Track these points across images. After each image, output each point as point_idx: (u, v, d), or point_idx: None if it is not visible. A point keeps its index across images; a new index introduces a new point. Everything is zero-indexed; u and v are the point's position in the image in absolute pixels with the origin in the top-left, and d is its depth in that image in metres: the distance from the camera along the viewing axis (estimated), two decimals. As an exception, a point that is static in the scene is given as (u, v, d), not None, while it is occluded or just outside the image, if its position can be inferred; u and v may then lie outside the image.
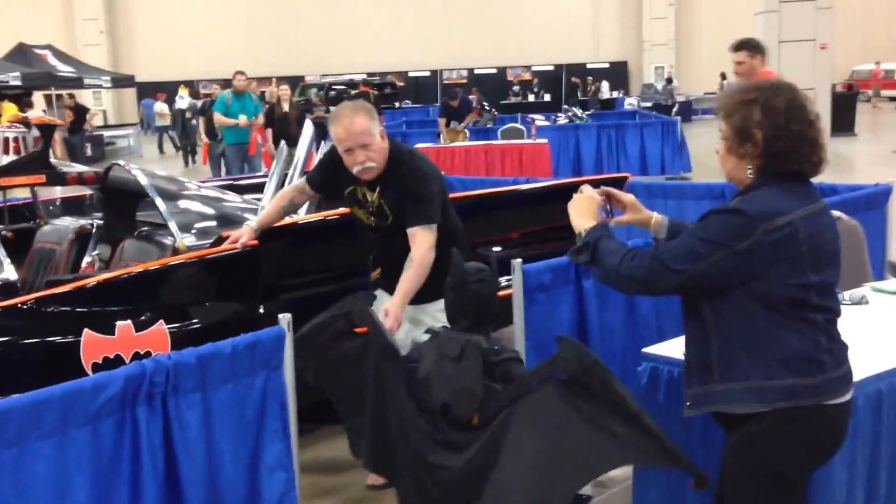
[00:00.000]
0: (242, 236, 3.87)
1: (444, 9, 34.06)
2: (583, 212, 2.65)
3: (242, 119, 11.60)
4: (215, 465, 2.63)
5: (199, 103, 18.26)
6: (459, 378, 2.71)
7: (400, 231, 3.59)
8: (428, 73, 34.03)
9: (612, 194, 2.80)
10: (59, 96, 22.51)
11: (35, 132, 7.93)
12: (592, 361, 2.54)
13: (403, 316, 3.45)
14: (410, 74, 33.55)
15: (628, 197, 2.83)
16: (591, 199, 2.68)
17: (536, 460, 2.46)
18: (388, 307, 3.32)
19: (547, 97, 32.44)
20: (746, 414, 2.38)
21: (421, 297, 3.55)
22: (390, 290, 3.56)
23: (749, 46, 6.53)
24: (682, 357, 3.03)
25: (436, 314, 3.57)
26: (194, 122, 18.06)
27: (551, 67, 34.68)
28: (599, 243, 2.49)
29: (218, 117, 11.88)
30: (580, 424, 2.47)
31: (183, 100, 17.10)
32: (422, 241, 3.51)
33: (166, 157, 22.97)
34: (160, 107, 25.27)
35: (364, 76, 28.14)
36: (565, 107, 20.39)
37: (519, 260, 3.55)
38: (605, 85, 31.93)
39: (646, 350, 3.22)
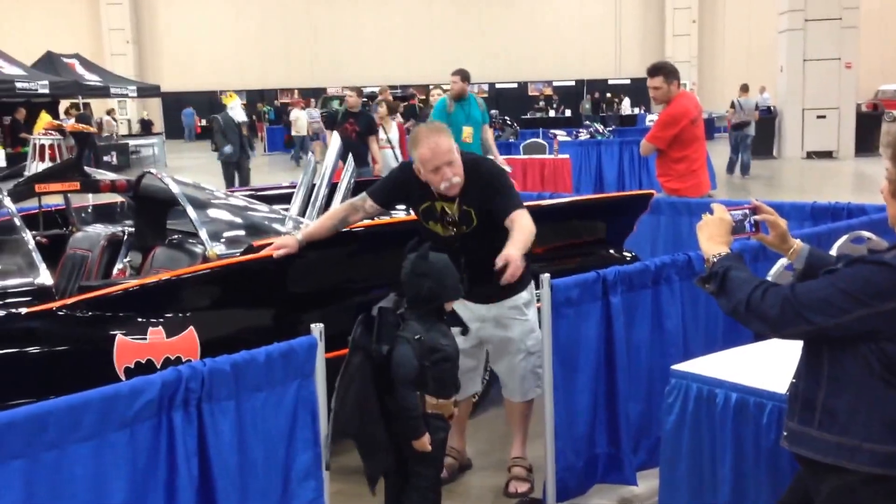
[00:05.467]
0: (284, 248, 3.92)
1: (466, 23, 34.20)
2: (713, 235, 2.48)
3: (468, 131, 9.23)
4: (248, 472, 2.66)
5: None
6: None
7: (485, 232, 3.70)
8: (449, 87, 34.16)
9: (763, 209, 2.63)
10: (85, 105, 22.76)
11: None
12: None
13: (473, 315, 3.76)
14: (430, 88, 33.67)
15: (781, 222, 2.64)
16: (722, 222, 2.51)
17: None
18: (506, 254, 3.39)
19: (568, 113, 32.48)
20: (830, 464, 2.24)
21: (493, 296, 3.77)
22: (475, 297, 3.76)
23: (665, 72, 6.60)
24: (710, 374, 3.05)
25: (509, 310, 3.87)
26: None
27: (572, 83, 34.71)
28: (729, 273, 2.33)
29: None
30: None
31: (234, 110, 15.98)
32: (524, 216, 3.66)
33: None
34: (297, 115, 24.07)
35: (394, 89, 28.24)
36: (587, 122, 20.39)
37: (547, 275, 3.57)
38: (626, 101, 31.95)
39: (674, 367, 3.22)
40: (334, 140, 5.68)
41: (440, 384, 3.18)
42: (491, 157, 8.89)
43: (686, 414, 3.09)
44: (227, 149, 14.26)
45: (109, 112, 27.32)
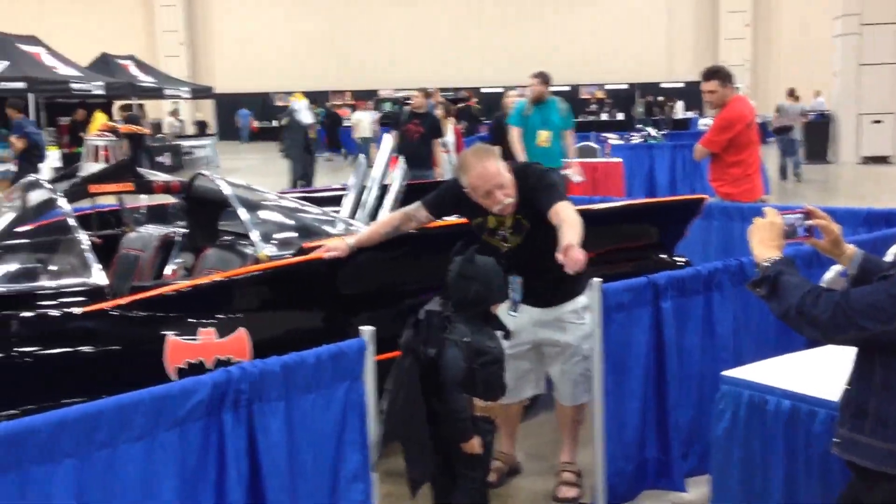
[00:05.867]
0: (335, 251, 3.94)
1: (518, 25, 34.11)
2: (764, 240, 2.45)
3: (543, 135, 8.80)
4: (297, 474, 2.67)
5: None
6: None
7: (539, 239, 3.68)
8: (501, 90, 34.12)
9: (816, 214, 2.58)
10: (139, 106, 23.14)
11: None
12: None
13: (530, 318, 3.81)
14: (481, 90, 33.64)
15: (834, 227, 2.59)
16: (774, 226, 2.47)
17: None
18: (565, 244, 3.36)
19: (620, 116, 32.21)
20: (882, 472, 2.23)
21: (551, 300, 3.80)
22: (534, 301, 3.80)
23: (720, 76, 6.50)
24: (761, 381, 3.01)
25: (566, 314, 3.87)
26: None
27: (624, 86, 34.45)
28: (781, 278, 2.31)
29: (515, 133, 8.91)
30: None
31: (300, 111, 15.34)
32: (567, 208, 3.64)
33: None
34: (360, 116, 23.02)
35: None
36: (639, 126, 20.20)
37: (598, 279, 3.54)
38: (679, 105, 31.59)
39: (725, 373, 3.17)
40: (386, 142, 5.69)
41: (488, 387, 3.17)
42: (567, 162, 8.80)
43: (737, 421, 3.05)
44: (291, 150, 14.04)
45: (173, 113, 27.73)
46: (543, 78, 8.87)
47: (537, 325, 3.91)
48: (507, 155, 9.03)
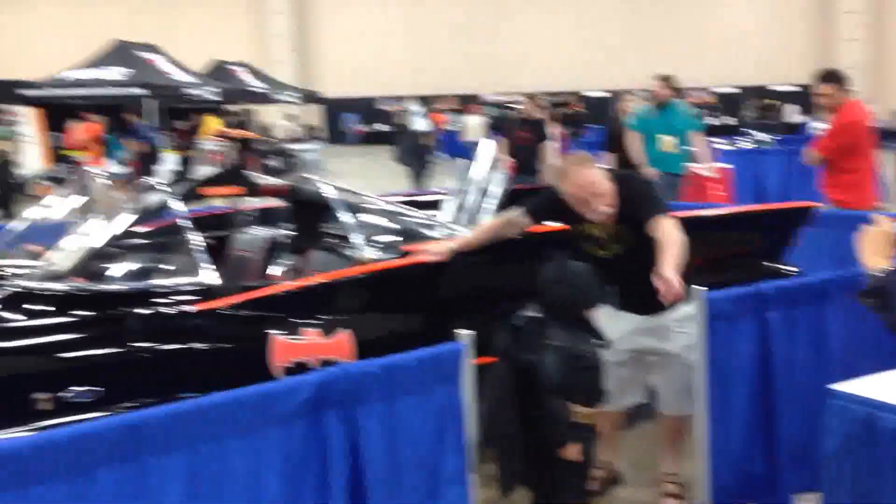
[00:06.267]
0: (435, 255, 3.99)
1: (620, 29, 33.67)
2: (875, 248, 2.41)
3: (666, 140, 8.54)
4: (396, 474, 2.71)
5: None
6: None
7: (640, 249, 3.64)
8: (603, 94, 33.76)
9: None
10: (247, 111, 23.78)
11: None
12: None
13: (633, 325, 3.78)
14: (584, 94, 33.37)
15: None
16: (885, 235, 2.44)
17: None
18: (663, 276, 3.33)
19: (729, 120, 31.42)
20: None
21: (653, 308, 3.71)
22: (636, 308, 3.80)
23: (836, 79, 6.24)
24: (873, 396, 2.89)
25: (670, 322, 3.79)
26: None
27: (733, 89, 33.61)
28: (892, 288, 2.27)
29: (634, 139, 8.67)
30: None
31: (415, 117, 15.53)
32: (668, 223, 3.59)
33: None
34: (469, 121, 22.28)
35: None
36: (749, 130, 19.66)
37: (701, 287, 3.47)
38: (791, 108, 30.62)
39: (835, 387, 3.07)
40: (488, 147, 5.71)
41: (585, 393, 3.14)
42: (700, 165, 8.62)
43: (847, 437, 2.94)
44: (406, 155, 14.09)
45: (290, 117, 28.45)
46: (668, 81, 8.66)
47: (638, 333, 3.87)
48: (624, 161, 8.93)
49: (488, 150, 5.57)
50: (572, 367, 3.09)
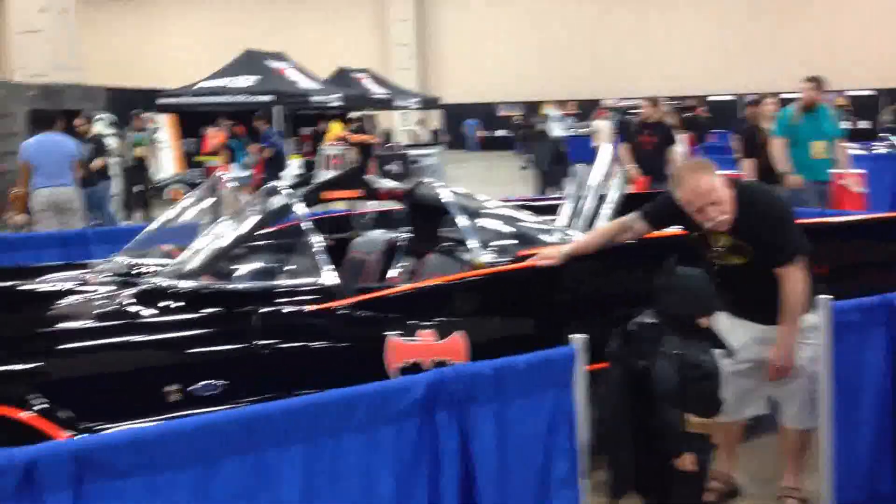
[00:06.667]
0: (549, 259, 3.99)
1: (746, 31, 32.73)
2: None
3: (818, 146, 8.14)
4: (507, 476, 2.73)
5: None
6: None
7: (759, 264, 3.61)
8: (728, 98, 32.87)
9: None
10: (369, 116, 24.21)
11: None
12: None
13: (754, 335, 3.71)
14: (708, 98, 32.56)
15: None
16: None
17: None
18: (777, 352, 3.53)
19: (863, 124, 30.09)
20: None
21: (775, 317, 3.64)
22: (757, 317, 3.72)
23: None
24: None
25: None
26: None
27: (869, 92, 32.18)
28: None
29: (778, 145, 8.24)
30: None
31: (551, 122, 14.48)
32: (792, 278, 3.57)
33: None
34: (599, 125, 21.37)
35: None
36: (885, 134, 18.78)
37: (826, 297, 3.36)
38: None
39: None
40: (604, 152, 5.65)
41: (701, 402, 3.08)
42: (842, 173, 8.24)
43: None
44: (540, 161, 13.99)
45: (419, 122, 28.92)
46: (817, 83, 8.21)
47: (760, 343, 3.75)
48: (766, 167, 8.56)
49: (606, 154, 5.52)
50: (688, 375, 3.03)
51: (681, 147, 10.74)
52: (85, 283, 4.29)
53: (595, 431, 3.00)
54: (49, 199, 8.62)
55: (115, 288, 4.09)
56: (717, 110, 29.00)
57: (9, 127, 13.83)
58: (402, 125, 30.22)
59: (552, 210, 5.45)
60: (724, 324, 3.63)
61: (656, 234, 4.11)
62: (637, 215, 3.99)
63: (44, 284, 4.46)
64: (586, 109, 29.65)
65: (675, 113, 13.35)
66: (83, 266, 4.72)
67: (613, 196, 4.94)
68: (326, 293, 3.92)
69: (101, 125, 13.03)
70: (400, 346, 3.79)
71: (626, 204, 4.75)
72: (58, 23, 15.39)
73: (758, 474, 4.30)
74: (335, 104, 20.17)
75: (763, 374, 3.80)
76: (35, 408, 3.16)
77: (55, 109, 11.12)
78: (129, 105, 15.99)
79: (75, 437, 3.04)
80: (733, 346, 3.41)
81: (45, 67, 15.06)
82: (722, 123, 28.24)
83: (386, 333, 3.80)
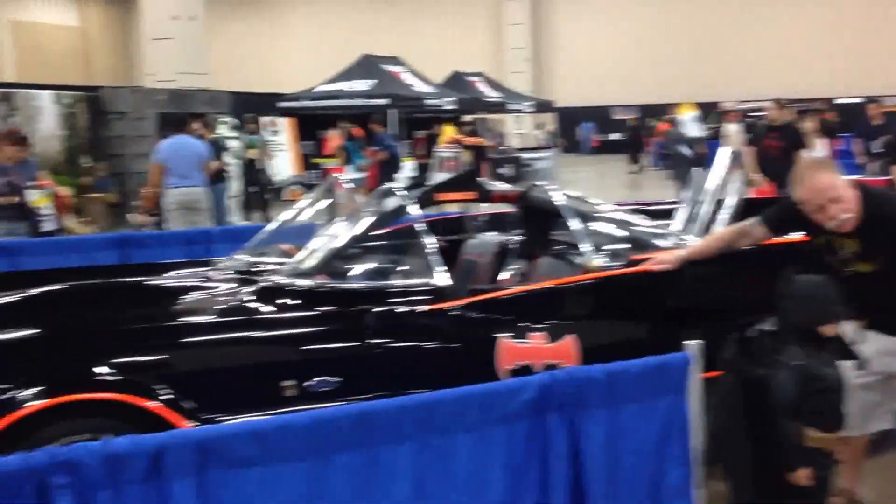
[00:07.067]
0: (664, 264, 3.94)
1: (877, 29, 31.36)
2: None
3: None
4: (618, 481, 2.71)
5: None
6: None
7: (888, 274, 3.50)
8: (860, 100, 31.53)
9: None
10: (481, 120, 24.32)
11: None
12: None
13: (880, 346, 3.54)
14: (835, 101, 31.32)
15: None
16: None
17: None
18: None
19: None
20: None
21: None
22: (885, 328, 3.59)
23: None
24: None
25: None
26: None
27: None
28: None
29: None
30: None
31: (685, 124, 13.62)
32: None
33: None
34: (731, 128, 19.69)
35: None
36: None
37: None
38: None
39: None
40: (721, 156, 5.51)
41: (820, 416, 2.98)
42: None
43: None
44: (676, 166, 13.66)
45: (538, 126, 28.90)
46: None
47: (889, 355, 3.60)
48: None
49: (724, 158, 5.38)
50: (808, 387, 2.94)
51: (819, 153, 10.19)
52: (208, 279, 4.46)
53: (708, 441, 2.94)
54: (180, 199, 9.02)
55: (235, 285, 4.24)
56: (843, 113, 27.88)
57: (141, 130, 14.49)
58: (515, 128, 30.18)
59: (667, 215, 5.35)
60: (852, 334, 3.50)
61: (777, 240, 4.00)
62: (756, 220, 3.88)
63: (169, 280, 4.66)
64: (704, 112, 28.97)
65: (814, 116, 12.64)
66: (206, 263, 4.91)
67: (731, 201, 4.83)
68: (438, 294, 3.96)
69: (225, 128, 13.50)
70: (511, 348, 3.80)
71: (748, 209, 4.63)
72: (187, 30, 16.04)
73: (883, 491, 4.13)
74: (449, 108, 20.33)
75: (891, 387, 3.65)
76: (161, 398, 3.31)
77: (182, 113, 11.60)
78: (252, 109, 16.54)
79: (198, 427, 3.17)
80: (865, 356, 3.28)
81: (174, 73, 15.70)
82: (849, 127, 27.08)
83: (497, 335, 3.82)
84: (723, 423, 2.96)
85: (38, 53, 34.44)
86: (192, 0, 16.24)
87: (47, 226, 7.43)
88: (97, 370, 3.30)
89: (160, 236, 7.44)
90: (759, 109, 23.66)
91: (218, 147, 12.20)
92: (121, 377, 3.31)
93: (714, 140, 18.45)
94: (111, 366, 3.33)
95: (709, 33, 33.86)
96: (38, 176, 7.87)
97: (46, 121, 14.24)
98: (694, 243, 4.28)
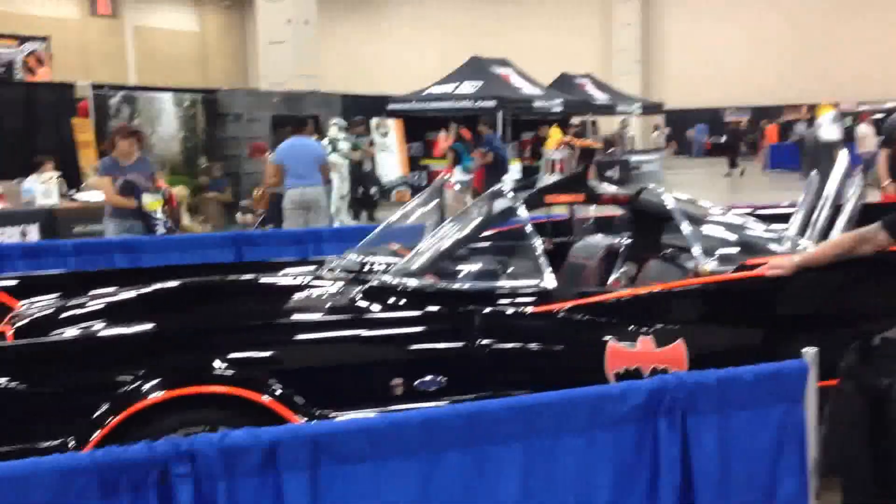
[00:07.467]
0: (778, 269, 3.84)
1: None
2: None
3: None
4: (730, 488, 2.66)
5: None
6: None
7: None
8: None
9: None
10: (592, 122, 24.13)
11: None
12: None
13: None
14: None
15: None
16: None
17: None
18: None
19: None
20: None
21: None
22: None
23: None
24: None
25: None
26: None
27: None
28: None
29: None
30: None
31: (822, 127, 12.81)
32: None
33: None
34: (865, 131, 18.62)
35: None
36: None
37: None
38: None
39: None
40: (841, 157, 5.33)
41: None
42: None
43: None
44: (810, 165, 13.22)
45: (656, 127, 28.59)
46: None
47: None
48: None
49: (843, 160, 5.20)
50: None
51: None
52: (319, 278, 4.57)
53: (823, 451, 2.85)
54: (299, 198, 9.28)
55: (346, 284, 4.33)
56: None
57: (255, 132, 14.92)
58: (620, 131, 29.81)
59: (783, 219, 5.20)
60: None
61: None
62: (878, 226, 3.74)
63: (283, 278, 4.79)
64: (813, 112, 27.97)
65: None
66: (317, 263, 5.03)
67: (851, 205, 4.66)
68: (546, 296, 3.95)
69: (335, 130, 13.78)
70: (620, 352, 3.76)
71: (869, 215, 4.46)
72: (301, 33, 16.43)
73: None
74: (556, 110, 20.25)
75: None
76: (274, 392, 3.40)
77: (302, 115, 11.89)
78: (361, 111, 16.82)
79: (311, 423, 3.25)
80: None
81: (288, 76, 16.11)
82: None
83: (605, 338, 3.79)
84: (841, 433, 2.86)
85: (158, 58, 35.86)
86: (306, 4, 16.60)
87: (160, 229, 7.68)
88: (214, 365, 3.42)
89: (272, 235, 7.65)
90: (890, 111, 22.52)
91: (330, 149, 12.47)
92: (236, 372, 3.42)
93: (849, 142, 17.85)
94: (227, 361, 3.44)
95: (823, 35, 32.73)
96: (155, 176, 8.10)
97: (166, 123, 14.83)
98: (811, 249, 4.15)
